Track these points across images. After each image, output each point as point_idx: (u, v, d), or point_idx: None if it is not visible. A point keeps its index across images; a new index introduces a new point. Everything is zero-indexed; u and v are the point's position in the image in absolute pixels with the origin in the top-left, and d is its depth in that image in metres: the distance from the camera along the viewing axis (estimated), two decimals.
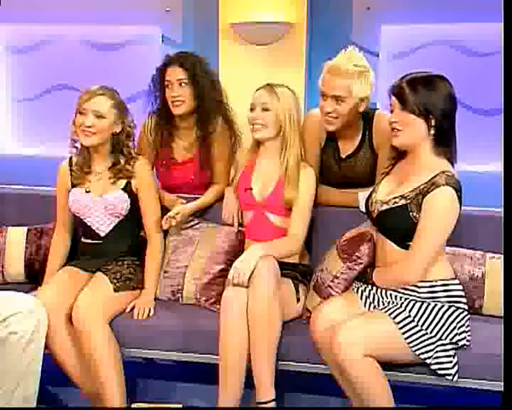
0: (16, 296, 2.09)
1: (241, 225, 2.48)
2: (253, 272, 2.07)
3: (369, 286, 2.10)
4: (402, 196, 1.99)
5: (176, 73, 2.56)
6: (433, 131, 1.94)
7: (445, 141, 1.96)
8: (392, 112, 2.01)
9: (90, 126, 2.29)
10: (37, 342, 2.03)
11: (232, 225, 2.48)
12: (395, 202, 2.00)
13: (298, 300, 2.25)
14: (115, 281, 2.30)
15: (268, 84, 2.34)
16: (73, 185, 2.41)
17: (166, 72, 2.58)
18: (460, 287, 2.05)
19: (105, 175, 2.39)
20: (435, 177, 1.93)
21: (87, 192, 2.38)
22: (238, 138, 2.70)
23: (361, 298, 2.11)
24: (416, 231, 1.95)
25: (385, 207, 2.03)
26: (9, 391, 1.99)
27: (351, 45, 2.35)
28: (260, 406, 2.05)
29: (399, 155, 2.10)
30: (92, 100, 2.30)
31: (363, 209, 2.22)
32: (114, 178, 2.37)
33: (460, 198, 1.93)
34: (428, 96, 1.92)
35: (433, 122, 1.92)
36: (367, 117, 2.42)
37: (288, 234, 2.30)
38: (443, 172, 1.93)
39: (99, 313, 2.17)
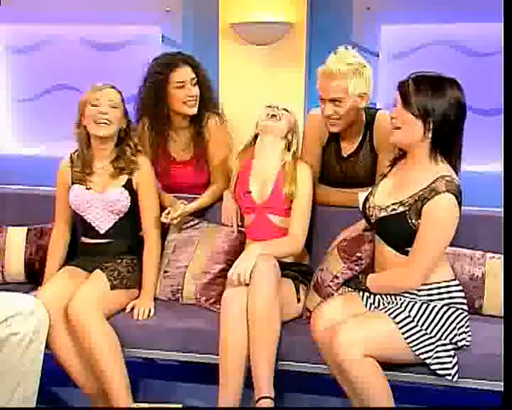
0: (17, 297, 2.10)
1: (241, 226, 2.48)
2: (252, 271, 2.07)
3: None
4: (400, 203, 1.96)
5: (188, 73, 2.57)
6: (430, 135, 1.89)
7: (444, 146, 1.91)
8: (394, 106, 1.96)
9: (106, 113, 2.29)
10: (37, 342, 2.03)
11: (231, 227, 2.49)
12: (394, 209, 1.97)
13: (298, 300, 2.25)
14: (112, 279, 2.30)
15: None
16: (73, 182, 2.41)
17: (175, 72, 2.55)
18: (460, 288, 2.04)
19: (106, 171, 2.39)
20: (434, 182, 1.89)
21: (88, 189, 2.39)
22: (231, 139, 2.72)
23: (361, 298, 2.11)
24: (416, 239, 1.92)
25: (383, 213, 2.00)
26: (9, 391, 1.99)
27: (351, 45, 2.35)
28: (259, 401, 2.03)
29: (399, 157, 2.09)
30: (105, 91, 2.33)
31: None
32: (116, 170, 2.37)
33: (460, 203, 1.90)
34: (431, 99, 1.86)
35: (431, 125, 1.87)
36: (369, 117, 2.42)
37: (288, 234, 2.30)
38: (442, 177, 1.89)
39: (94, 307, 2.16)
